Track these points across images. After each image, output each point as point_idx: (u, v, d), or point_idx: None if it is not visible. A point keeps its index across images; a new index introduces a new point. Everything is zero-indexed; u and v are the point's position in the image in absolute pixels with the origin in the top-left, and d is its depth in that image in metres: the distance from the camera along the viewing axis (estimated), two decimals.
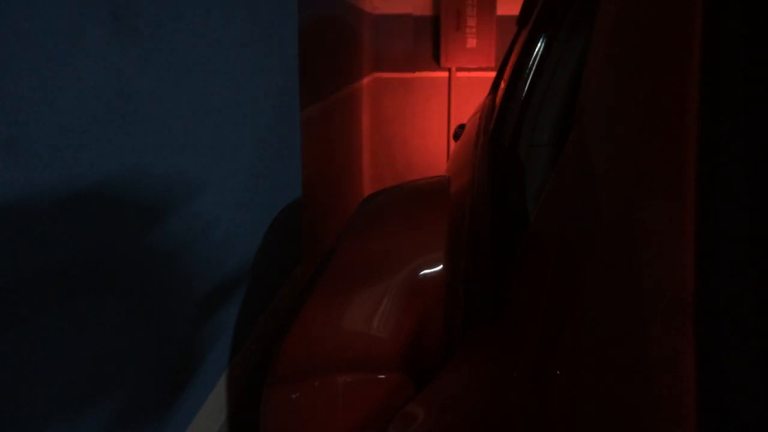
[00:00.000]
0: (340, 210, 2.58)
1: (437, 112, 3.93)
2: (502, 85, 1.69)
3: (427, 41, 3.88)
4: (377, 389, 0.95)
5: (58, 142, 0.64)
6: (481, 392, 0.66)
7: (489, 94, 1.88)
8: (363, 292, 1.01)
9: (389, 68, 3.85)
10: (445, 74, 3.86)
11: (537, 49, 1.31)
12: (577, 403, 0.45)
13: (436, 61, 3.86)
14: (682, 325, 0.37)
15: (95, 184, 0.71)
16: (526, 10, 1.73)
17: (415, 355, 0.99)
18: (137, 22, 0.78)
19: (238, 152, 1.20)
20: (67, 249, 0.67)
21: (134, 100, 0.79)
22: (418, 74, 3.89)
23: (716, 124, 0.41)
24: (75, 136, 0.67)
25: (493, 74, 2.00)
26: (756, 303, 0.36)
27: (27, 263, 0.61)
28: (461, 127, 2.16)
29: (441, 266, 1.01)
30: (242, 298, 1.26)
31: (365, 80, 3.50)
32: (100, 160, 0.72)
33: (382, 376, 0.95)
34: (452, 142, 3.35)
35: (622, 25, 0.59)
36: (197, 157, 1.01)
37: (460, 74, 3.85)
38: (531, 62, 1.32)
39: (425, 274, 1.01)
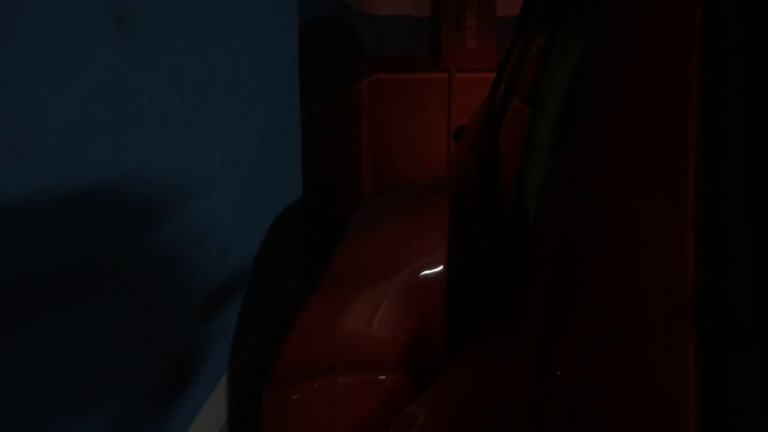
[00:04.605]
0: (341, 210, 2.58)
1: (437, 113, 3.93)
2: (502, 85, 1.69)
3: (427, 42, 3.88)
4: (378, 390, 0.94)
5: (58, 142, 0.64)
6: (482, 393, 0.66)
7: (489, 94, 1.89)
8: (363, 293, 1.01)
9: (389, 69, 3.85)
10: (445, 75, 3.86)
11: (537, 50, 1.31)
12: (577, 403, 0.45)
13: (436, 62, 3.86)
14: (682, 325, 0.37)
15: (96, 185, 0.71)
16: (526, 10, 1.73)
17: (416, 355, 0.99)
18: (137, 22, 0.78)
19: (238, 153, 1.20)
20: (67, 249, 0.67)
21: (134, 101, 0.79)
22: (418, 75, 3.88)
23: (717, 124, 0.41)
24: (75, 136, 0.67)
25: (493, 75, 2.00)
26: (756, 303, 0.36)
27: (27, 263, 0.61)
28: (461, 128, 2.16)
29: (441, 267, 1.01)
30: (243, 299, 1.26)
31: (365, 81, 3.50)
32: (101, 161, 0.72)
33: (383, 377, 0.95)
34: (452, 142, 3.35)
35: (624, 26, 0.59)
36: (197, 157, 1.01)
37: (460, 75, 3.84)
38: (531, 62, 1.32)
39: (425, 275, 1.01)
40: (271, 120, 1.41)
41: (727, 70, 0.42)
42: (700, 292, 0.37)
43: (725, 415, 0.34)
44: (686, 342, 0.36)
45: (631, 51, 0.56)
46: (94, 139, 0.70)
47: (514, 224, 1.05)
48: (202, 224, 1.03)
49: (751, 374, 0.35)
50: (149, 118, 0.83)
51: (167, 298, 0.93)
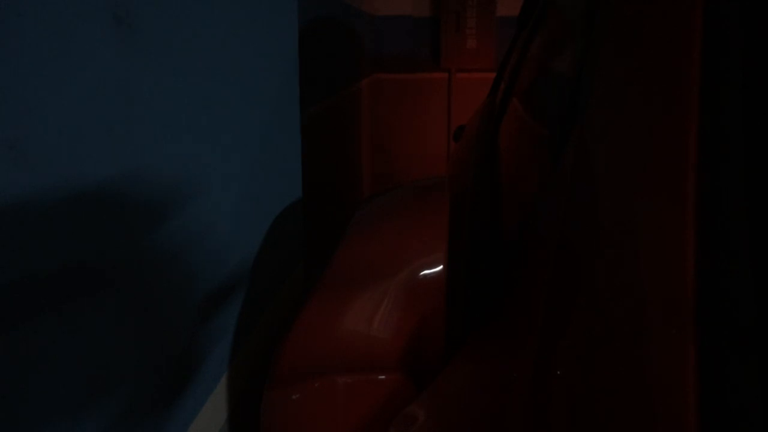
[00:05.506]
0: (341, 210, 2.58)
1: (437, 113, 3.93)
2: (502, 85, 1.69)
3: (427, 42, 3.88)
4: (378, 390, 0.94)
5: (58, 142, 0.64)
6: (482, 393, 0.66)
7: (489, 94, 1.88)
8: (363, 293, 1.01)
9: (389, 69, 3.85)
10: (445, 75, 3.86)
11: (537, 50, 1.30)
12: (577, 403, 0.45)
13: (435, 62, 3.86)
14: (682, 325, 0.37)
15: (96, 185, 0.71)
16: (526, 10, 1.73)
17: (416, 355, 0.99)
18: (137, 22, 0.78)
19: (238, 153, 1.20)
20: (68, 249, 0.67)
21: (134, 101, 0.79)
22: (418, 75, 3.88)
23: (717, 124, 0.41)
24: (75, 136, 0.67)
25: (493, 75, 2.00)
26: (756, 303, 0.36)
27: (27, 263, 0.61)
28: (461, 128, 2.16)
29: (441, 267, 1.01)
30: (243, 299, 1.26)
31: (365, 81, 3.50)
32: (101, 161, 0.72)
33: (383, 377, 0.95)
34: (452, 142, 3.35)
35: (624, 26, 0.59)
36: (197, 157, 1.01)
37: (460, 75, 3.84)
38: (531, 62, 1.32)
39: (425, 275, 1.01)
40: (271, 120, 1.41)
41: (727, 70, 0.42)
42: (700, 292, 0.37)
43: (725, 415, 0.34)
44: (686, 342, 0.36)
45: (631, 51, 0.56)
46: (94, 139, 0.70)
47: (513, 224, 1.05)
48: (202, 224, 1.03)
49: (752, 374, 0.35)
50: (149, 118, 0.83)
51: (167, 298, 0.93)
